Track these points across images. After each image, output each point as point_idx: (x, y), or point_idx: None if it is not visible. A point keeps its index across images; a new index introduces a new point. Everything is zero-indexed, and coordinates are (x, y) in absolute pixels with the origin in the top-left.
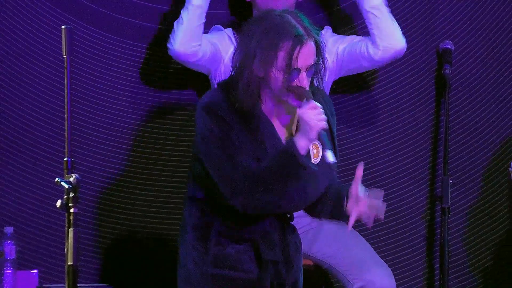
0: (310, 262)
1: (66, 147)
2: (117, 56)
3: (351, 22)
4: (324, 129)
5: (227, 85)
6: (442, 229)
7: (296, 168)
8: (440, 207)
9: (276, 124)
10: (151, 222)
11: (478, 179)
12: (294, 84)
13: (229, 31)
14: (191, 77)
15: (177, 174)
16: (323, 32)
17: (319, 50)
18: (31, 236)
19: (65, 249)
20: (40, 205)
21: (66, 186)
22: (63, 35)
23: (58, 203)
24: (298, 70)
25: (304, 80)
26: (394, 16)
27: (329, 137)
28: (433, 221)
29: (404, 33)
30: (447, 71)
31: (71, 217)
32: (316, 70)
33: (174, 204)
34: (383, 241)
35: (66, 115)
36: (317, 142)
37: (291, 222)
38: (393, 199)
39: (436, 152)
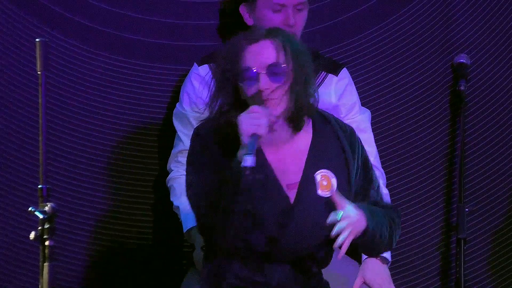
0: None
1: (40, 172)
2: (102, 73)
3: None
4: (256, 136)
5: None
6: (458, 262)
7: (229, 172)
8: (455, 237)
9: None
10: (139, 256)
11: (498, 207)
12: (255, 89)
13: (204, 68)
14: (175, 94)
15: (166, 194)
16: (339, 75)
17: (286, 51)
18: (2, 271)
19: (40, 287)
20: (12, 237)
21: (41, 216)
22: (37, 49)
23: (32, 235)
24: (249, 69)
25: (262, 82)
26: (404, 28)
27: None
28: (448, 253)
29: (416, 45)
30: (462, 87)
31: (46, 250)
32: (282, 72)
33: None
34: (393, 275)
35: (40, 137)
36: (329, 174)
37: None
38: (404, 229)
39: (451, 177)
